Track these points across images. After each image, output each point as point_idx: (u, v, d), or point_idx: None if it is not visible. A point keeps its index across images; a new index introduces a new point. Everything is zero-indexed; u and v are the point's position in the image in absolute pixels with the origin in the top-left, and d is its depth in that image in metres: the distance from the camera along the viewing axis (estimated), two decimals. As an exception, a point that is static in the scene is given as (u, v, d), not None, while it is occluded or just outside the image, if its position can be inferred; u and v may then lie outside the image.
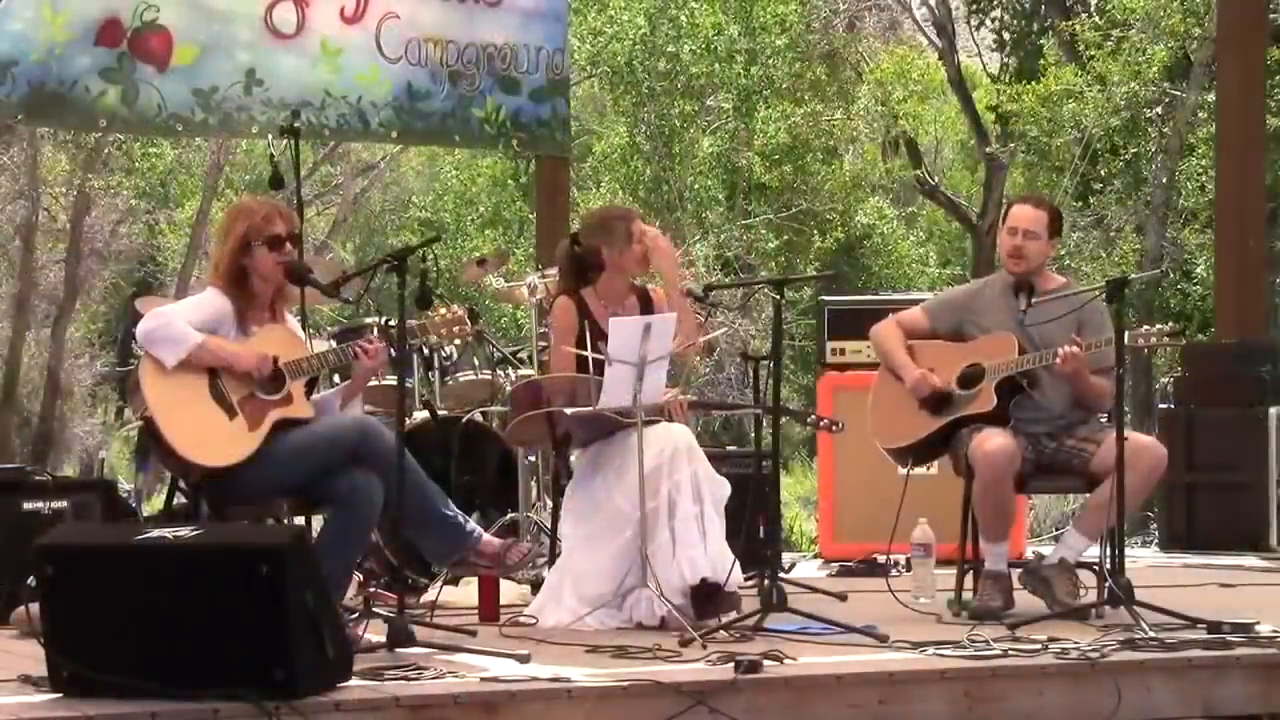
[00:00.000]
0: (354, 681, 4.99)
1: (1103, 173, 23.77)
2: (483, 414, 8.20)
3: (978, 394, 6.94)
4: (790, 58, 24.86)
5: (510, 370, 8.54)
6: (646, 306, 6.97)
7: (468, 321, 6.66)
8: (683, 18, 24.15)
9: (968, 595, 6.94)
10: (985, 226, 25.38)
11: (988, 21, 28.50)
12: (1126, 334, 6.78)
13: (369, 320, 7.57)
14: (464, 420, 7.98)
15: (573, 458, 6.90)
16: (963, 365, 7.00)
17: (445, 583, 7.12)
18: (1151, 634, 6.05)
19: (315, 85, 9.88)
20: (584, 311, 6.93)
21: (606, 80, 24.79)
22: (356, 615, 6.00)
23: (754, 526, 7.35)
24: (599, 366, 6.56)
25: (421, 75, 10.17)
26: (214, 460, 6.02)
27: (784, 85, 24.79)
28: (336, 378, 7.35)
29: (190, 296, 6.38)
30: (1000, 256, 7.18)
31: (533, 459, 8.17)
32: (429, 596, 6.92)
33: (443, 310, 6.63)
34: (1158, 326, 6.86)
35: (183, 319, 6.06)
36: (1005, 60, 28.31)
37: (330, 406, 6.36)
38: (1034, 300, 6.90)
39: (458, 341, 6.82)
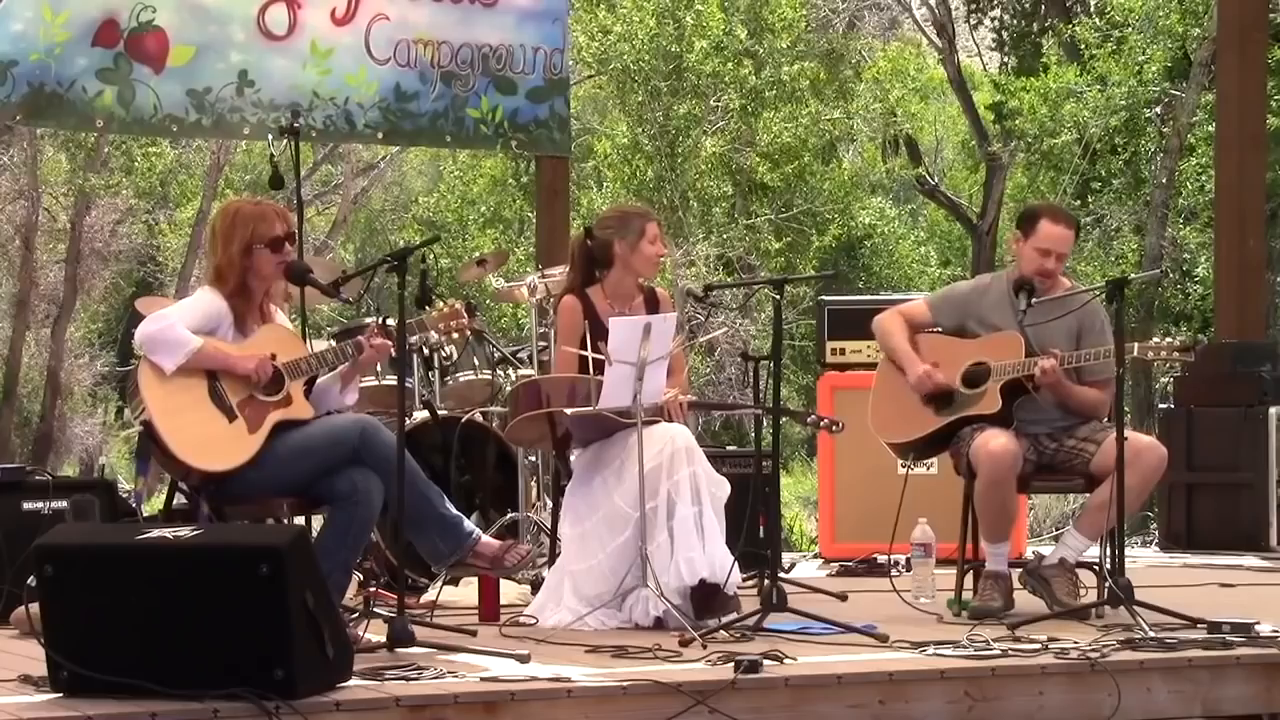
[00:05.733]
0: (354, 681, 4.99)
1: (1103, 172, 23.78)
2: (483, 414, 8.20)
3: (983, 394, 6.92)
4: (793, 57, 24.88)
5: (510, 370, 8.54)
6: (653, 308, 6.96)
7: (465, 315, 6.65)
8: (688, 19, 24.15)
9: (968, 595, 6.93)
10: (985, 227, 25.39)
11: (986, 21, 28.52)
12: (1136, 346, 6.78)
13: (368, 320, 7.56)
14: (464, 420, 7.98)
15: (573, 457, 6.90)
16: (968, 362, 6.98)
17: (445, 583, 7.12)
18: (1151, 634, 6.05)
19: (304, 86, 9.88)
20: (588, 311, 6.92)
21: (614, 79, 24.79)
22: (356, 615, 6.00)
23: (754, 526, 7.34)
24: (600, 366, 6.56)
25: (410, 76, 10.17)
26: (214, 465, 6.01)
27: (798, 85, 24.79)
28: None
29: (187, 298, 6.35)
30: (1016, 262, 7.11)
31: (533, 459, 8.16)
32: (429, 596, 6.92)
33: (440, 305, 6.62)
34: (1168, 340, 6.83)
35: (181, 323, 6.04)
36: (1005, 60, 28.33)
37: (331, 393, 6.35)
38: (1033, 301, 6.88)
39: (456, 336, 6.79)
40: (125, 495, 7.92)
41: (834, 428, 7.46)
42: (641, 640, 5.95)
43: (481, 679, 5.18)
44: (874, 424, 7.18)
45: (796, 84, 24.98)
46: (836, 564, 9.31)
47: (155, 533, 5.03)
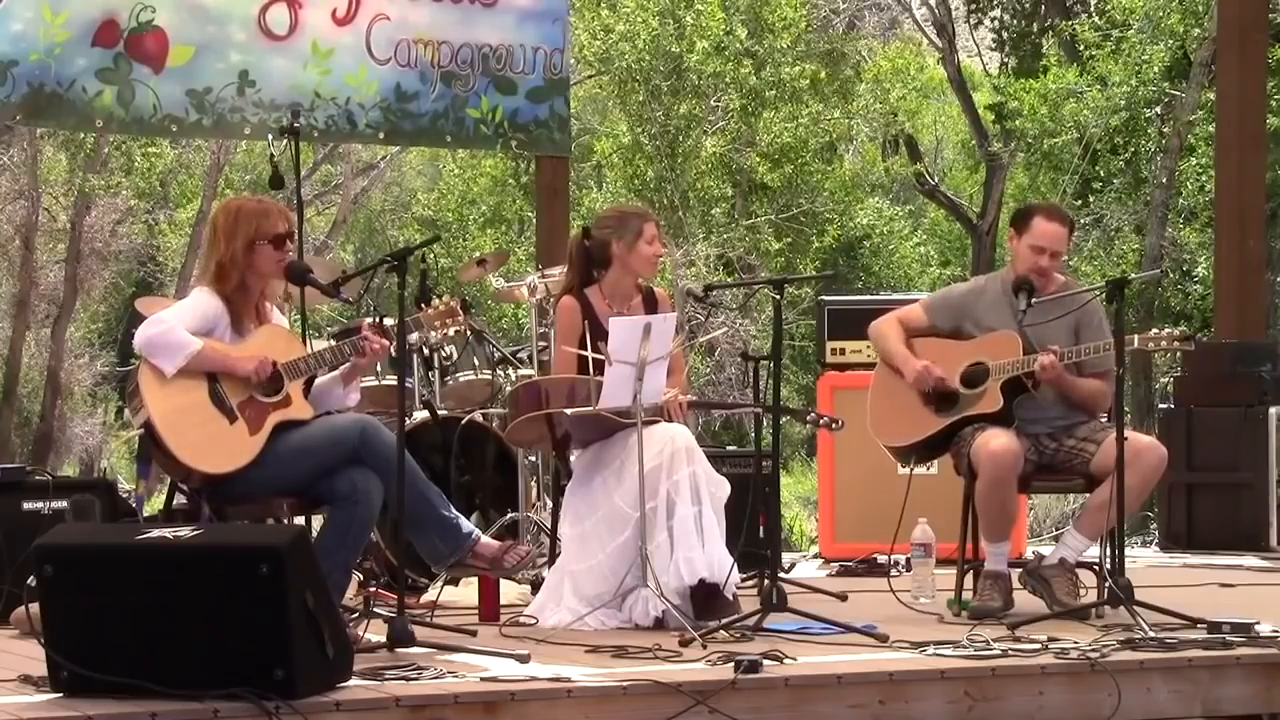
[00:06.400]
0: (354, 681, 5.00)
1: (1102, 173, 23.78)
2: (483, 414, 8.20)
3: (983, 394, 6.92)
4: (793, 57, 24.88)
5: (510, 370, 8.54)
6: (652, 308, 6.96)
7: (460, 311, 6.65)
8: (689, 19, 24.14)
9: (968, 595, 6.93)
10: (985, 227, 25.39)
11: (986, 21, 28.53)
12: (1136, 338, 6.78)
13: (366, 321, 7.56)
14: (464, 420, 7.98)
15: (573, 458, 6.89)
16: (966, 363, 6.98)
17: (445, 583, 7.12)
18: (1151, 634, 6.05)
19: (305, 86, 9.87)
20: (587, 311, 6.92)
21: (615, 79, 24.79)
22: (356, 615, 6.00)
23: (754, 526, 7.34)
24: (600, 366, 6.56)
25: (410, 76, 10.17)
26: (216, 468, 6.00)
27: (798, 85, 24.79)
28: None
29: (185, 300, 6.33)
30: (1012, 262, 7.10)
31: (533, 459, 8.16)
32: (429, 596, 6.92)
33: (435, 302, 6.62)
34: (1167, 330, 6.84)
35: (180, 325, 6.03)
36: (1005, 60, 28.34)
37: (333, 394, 6.33)
38: (1033, 300, 6.88)
39: (452, 332, 6.78)
40: (125, 495, 7.92)
41: (834, 425, 7.46)
42: (641, 640, 5.95)
43: (481, 679, 5.18)
44: (873, 428, 7.17)
45: (797, 84, 24.98)
46: (836, 564, 9.31)
47: (155, 533, 5.03)
